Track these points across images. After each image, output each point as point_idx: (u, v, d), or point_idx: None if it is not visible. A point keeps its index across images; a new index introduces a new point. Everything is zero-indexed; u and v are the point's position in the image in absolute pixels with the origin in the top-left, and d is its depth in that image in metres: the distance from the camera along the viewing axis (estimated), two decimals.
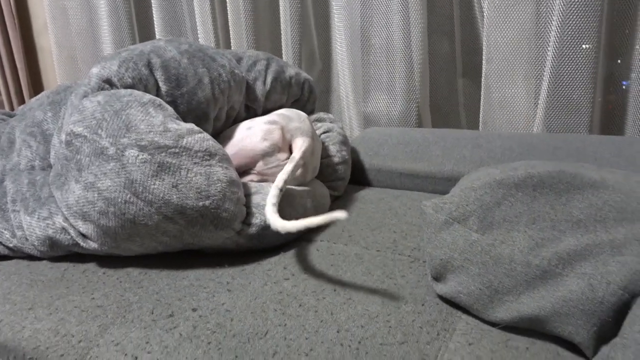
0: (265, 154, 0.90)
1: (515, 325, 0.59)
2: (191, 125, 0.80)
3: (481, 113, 1.32)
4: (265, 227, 0.80)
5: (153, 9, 1.67)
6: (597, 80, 1.17)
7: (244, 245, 0.81)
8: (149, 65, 0.86)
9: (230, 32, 1.54)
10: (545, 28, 1.19)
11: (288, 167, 0.83)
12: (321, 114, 1.19)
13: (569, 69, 1.16)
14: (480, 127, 1.34)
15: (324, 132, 1.12)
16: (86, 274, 0.79)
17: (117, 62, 0.85)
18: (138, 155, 0.73)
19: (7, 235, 0.85)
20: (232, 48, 1.57)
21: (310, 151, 0.93)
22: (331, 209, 1.00)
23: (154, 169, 0.73)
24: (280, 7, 1.48)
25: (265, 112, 1.08)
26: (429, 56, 1.40)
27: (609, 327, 0.52)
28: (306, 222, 0.66)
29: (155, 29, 1.69)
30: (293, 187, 0.90)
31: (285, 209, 0.84)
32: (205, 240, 0.77)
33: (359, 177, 1.20)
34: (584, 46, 1.13)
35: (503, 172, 0.65)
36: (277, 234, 0.81)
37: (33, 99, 1.08)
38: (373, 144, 1.21)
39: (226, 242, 0.79)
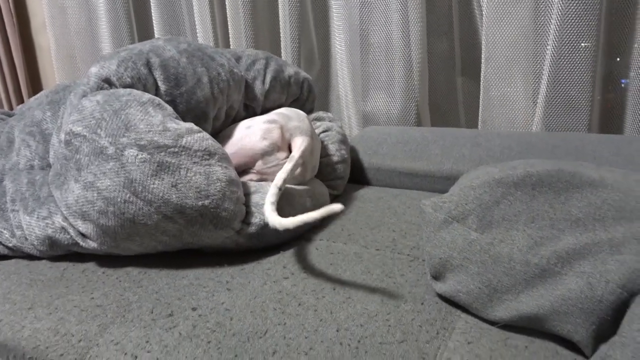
0: (265, 153, 0.90)
1: (514, 323, 0.59)
2: (190, 125, 0.80)
3: (480, 112, 1.32)
4: (265, 227, 0.80)
5: (152, 7, 1.66)
6: (596, 78, 1.17)
7: (244, 244, 0.81)
8: (148, 65, 0.86)
9: (229, 31, 1.54)
10: (544, 26, 1.19)
11: (287, 166, 0.83)
12: (320, 113, 1.19)
13: (567, 67, 1.16)
14: (479, 126, 1.34)
15: (323, 131, 1.12)
16: (86, 273, 0.79)
17: (116, 61, 0.85)
18: (137, 155, 0.73)
19: (6, 235, 0.85)
20: (231, 47, 1.57)
21: (310, 150, 0.93)
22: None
23: (154, 169, 0.73)
24: (279, 6, 1.48)
25: (265, 111, 1.08)
26: (428, 55, 1.40)
27: (608, 325, 0.52)
28: (304, 218, 0.67)
29: (154, 28, 1.69)
30: (292, 186, 0.90)
31: (285, 208, 0.84)
32: (205, 239, 0.77)
33: (358, 176, 1.20)
34: (582, 44, 1.13)
35: (502, 171, 0.65)
36: (276, 233, 0.81)
37: (32, 99, 1.08)
38: (372, 142, 1.21)
39: (226, 241, 0.79)
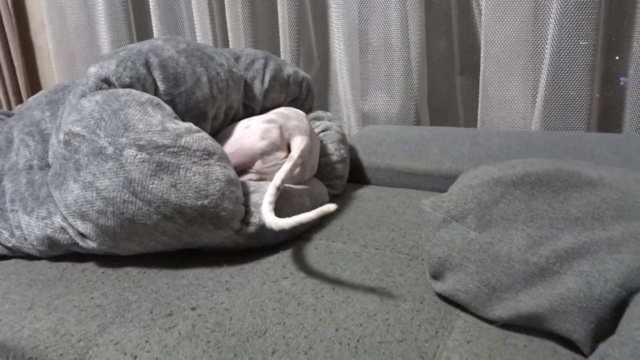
0: (264, 153, 0.90)
1: (513, 322, 0.59)
2: (189, 125, 0.80)
3: (479, 111, 1.32)
4: (264, 226, 0.80)
5: (150, 7, 1.66)
6: (594, 77, 1.17)
7: (243, 244, 0.81)
8: (147, 65, 0.86)
9: (228, 31, 1.54)
10: (542, 25, 1.19)
11: (286, 166, 0.83)
12: (319, 113, 1.19)
13: (566, 66, 1.16)
14: (478, 125, 1.34)
15: (322, 131, 1.12)
16: (85, 273, 0.79)
17: (115, 61, 0.85)
18: (136, 155, 0.73)
19: (5, 235, 0.85)
20: (230, 47, 1.57)
21: (309, 150, 0.93)
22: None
23: (153, 169, 0.73)
24: (278, 6, 1.47)
25: (264, 110, 1.08)
26: (426, 54, 1.40)
27: (606, 324, 0.52)
28: (299, 218, 0.67)
29: (153, 28, 1.68)
30: (291, 185, 0.90)
31: (284, 207, 0.84)
32: (204, 239, 0.77)
33: (358, 175, 1.20)
34: (581, 43, 1.13)
35: (501, 170, 0.65)
36: (275, 232, 0.81)
37: (31, 98, 1.08)
38: (371, 142, 1.21)
39: (225, 241, 0.79)
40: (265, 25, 1.58)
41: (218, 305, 0.67)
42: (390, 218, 0.92)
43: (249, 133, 0.92)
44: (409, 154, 1.14)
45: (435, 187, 1.11)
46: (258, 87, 1.05)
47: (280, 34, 1.51)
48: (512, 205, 0.61)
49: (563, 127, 1.21)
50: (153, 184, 0.72)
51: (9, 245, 0.85)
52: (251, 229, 0.80)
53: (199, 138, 0.78)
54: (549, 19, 1.17)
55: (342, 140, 1.13)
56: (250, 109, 1.07)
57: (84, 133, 0.76)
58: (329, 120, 1.17)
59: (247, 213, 0.81)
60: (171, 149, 0.74)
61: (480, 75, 1.28)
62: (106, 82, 0.83)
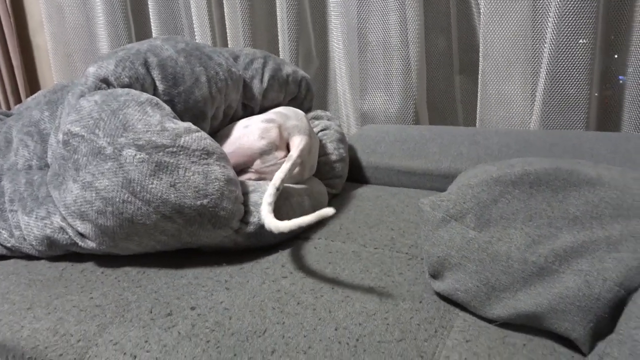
0: (263, 152, 0.90)
1: (512, 322, 0.59)
2: (188, 124, 0.80)
3: (478, 110, 1.32)
4: (263, 226, 0.80)
5: (149, 7, 1.66)
6: (593, 76, 1.17)
7: (242, 243, 0.81)
8: (146, 64, 0.86)
9: (227, 30, 1.54)
10: (541, 24, 1.19)
11: (286, 166, 0.83)
12: (318, 112, 1.19)
13: (565, 64, 1.16)
14: (477, 124, 1.34)
15: (322, 130, 1.12)
16: (84, 273, 0.79)
17: (113, 61, 0.85)
18: (135, 155, 0.73)
19: (5, 235, 0.84)
20: (229, 46, 1.57)
21: (308, 149, 0.93)
22: (329, 206, 1.00)
23: (152, 168, 0.73)
24: (277, 5, 1.47)
25: (263, 110, 1.08)
26: (425, 53, 1.40)
27: (605, 323, 0.52)
28: (298, 222, 0.68)
29: (152, 28, 1.68)
30: (291, 185, 0.90)
31: (283, 207, 0.84)
32: (204, 239, 0.77)
33: (357, 174, 1.20)
34: (580, 41, 1.13)
35: (500, 169, 0.65)
36: (274, 232, 0.81)
37: (30, 98, 1.08)
38: (370, 141, 1.21)
39: (224, 240, 0.79)
40: (264, 24, 1.58)
41: (217, 304, 0.67)
42: (389, 217, 0.92)
43: (248, 132, 0.92)
44: (408, 153, 1.14)
45: (434, 186, 1.11)
46: (257, 87, 1.05)
47: (279, 33, 1.51)
48: (511, 204, 0.61)
49: (562, 125, 1.21)
50: (152, 183, 0.72)
51: (8, 245, 0.85)
52: (250, 228, 0.80)
53: (198, 138, 0.78)
54: (547, 17, 1.17)
55: (341, 139, 1.13)
56: (249, 109, 1.07)
57: (83, 133, 0.76)
58: (328, 120, 1.17)
59: (247, 212, 0.81)
60: (170, 149, 0.74)
61: (479, 74, 1.28)
62: (105, 82, 0.83)
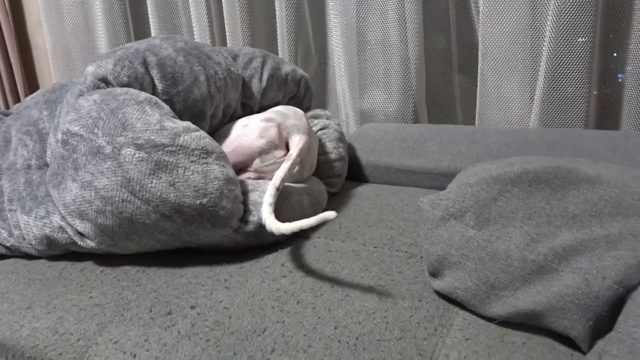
0: (262, 152, 0.90)
1: (511, 320, 0.59)
2: (187, 124, 0.80)
3: (477, 108, 1.32)
4: (263, 225, 0.80)
5: (148, 6, 1.66)
6: (592, 74, 1.17)
7: (242, 242, 0.81)
8: (145, 64, 0.86)
9: (226, 29, 1.54)
10: (540, 22, 1.19)
11: (285, 165, 0.83)
12: (317, 111, 1.19)
13: (564, 63, 1.16)
14: (476, 123, 1.34)
15: (321, 129, 1.12)
16: (84, 272, 0.79)
17: (112, 60, 0.84)
18: (135, 154, 0.73)
19: (4, 235, 0.84)
20: (228, 45, 1.57)
21: (307, 148, 0.93)
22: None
23: (151, 168, 0.73)
24: (276, 4, 1.47)
25: (262, 109, 1.08)
26: (425, 52, 1.40)
27: (605, 321, 0.52)
28: (299, 224, 0.68)
29: (151, 27, 1.68)
30: (290, 184, 0.90)
31: (282, 206, 0.84)
32: (203, 238, 0.77)
33: (356, 173, 1.20)
34: (579, 40, 1.13)
35: (499, 167, 0.65)
36: None
37: (28, 98, 1.07)
38: (370, 140, 1.21)
39: (224, 239, 0.79)
40: (263, 23, 1.58)
41: (217, 303, 0.67)
42: (388, 216, 0.92)
43: (247, 132, 0.92)
44: (407, 151, 1.14)
45: (433, 184, 1.11)
46: (256, 86, 1.05)
47: (278, 32, 1.51)
48: (510, 202, 0.61)
49: (561, 124, 1.21)
50: (151, 183, 0.72)
51: (8, 244, 0.85)
52: (250, 227, 0.80)
53: (197, 137, 0.78)
54: (546, 16, 1.17)
55: (341, 138, 1.13)
56: (248, 108, 1.07)
57: (82, 132, 0.76)
58: (327, 119, 1.17)
59: (246, 212, 0.81)
60: (169, 148, 0.74)
61: (478, 73, 1.28)
62: (104, 81, 0.83)
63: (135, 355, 0.60)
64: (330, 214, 0.65)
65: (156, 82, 0.86)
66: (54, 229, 0.80)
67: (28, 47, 2.11)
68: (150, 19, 1.67)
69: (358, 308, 0.64)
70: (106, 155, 0.73)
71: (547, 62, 1.17)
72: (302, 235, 0.86)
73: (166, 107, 0.82)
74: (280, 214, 0.83)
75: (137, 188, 0.72)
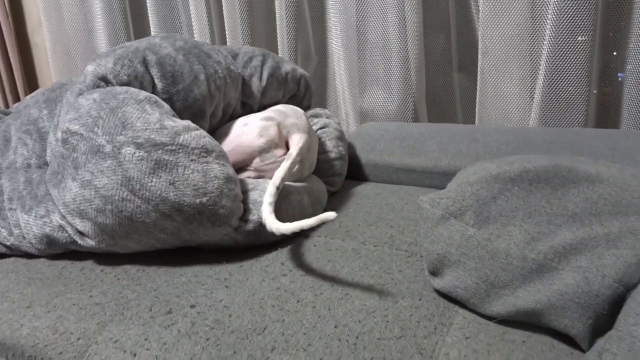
0: (262, 150, 0.90)
1: (511, 318, 0.59)
2: (187, 122, 0.80)
3: (477, 107, 1.32)
4: (263, 224, 0.80)
5: (148, 5, 1.66)
6: (592, 73, 1.17)
7: (242, 241, 0.81)
8: (145, 63, 0.86)
9: (226, 28, 1.54)
10: (540, 21, 1.19)
11: (285, 164, 0.83)
12: (317, 110, 1.19)
13: (564, 62, 1.16)
14: (476, 122, 1.34)
15: (321, 128, 1.12)
16: (84, 271, 0.79)
17: (112, 59, 0.84)
18: (135, 153, 0.73)
19: (4, 234, 0.84)
20: (228, 44, 1.57)
21: (307, 147, 0.93)
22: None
23: (151, 167, 0.73)
24: (276, 3, 1.47)
25: (262, 108, 1.08)
26: (424, 51, 1.40)
27: (604, 319, 0.52)
28: (299, 225, 0.69)
29: (150, 26, 1.68)
30: (290, 183, 0.90)
31: (282, 205, 0.84)
32: (203, 237, 0.77)
33: (356, 172, 1.20)
34: (579, 39, 1.13)
35: (499, 166, 0.65)
36: None
37: (28, 97, 1.07)
38: (369, 139, 1.21)
39: (224, 238, 0.79)
40: (263, 22, 1.57)
41: (217, 302, 0.67)
42: (388, 215, 0.92)
43: (247, 131, 0.92)
44: (407, 150, 1.14)
45: (433, 183, 1.11)
46: (256, 85, 1.05)
47: (277, 31, 1.50)
48: (510, 201, 0.61)
49: (561, 123, 1.21)
50: (151, 182, 0.72)
51: (8, 243, 0.85)
52: (250, 226, 0.80)
53: (197, 136, 0.78)
54: (546, 15, 1.17)
55: (341, 137, 1.13)
56: (248, 107, 1.07)
57: (82, 131, 0.76)
58: (327, 118, 1.17)
59: (246, 211, 0.81)
60: (169, 147, 0.74)
61: (478, 72, 1.28)
62: (104, 80, 0.83)
63: (135, 354, 0.60)
64: (330, 215, 0.65)
65: (156, 81, 0.86)
66: (54, 227, 0.80)
67: (28, 46, 2.11)
68: (150, 18, 1.67)
69: (358, 307, 0.64)
70: (106, 154, 0.73)
71: (547, 61, 1.17)
72: (302, 234, 0.87)
73: (166, 106, 0.82)
74: (280, 213, 0.83)
75: (137, 187, 0.72)
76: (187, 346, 0.60)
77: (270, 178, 0.88)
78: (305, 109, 1.21)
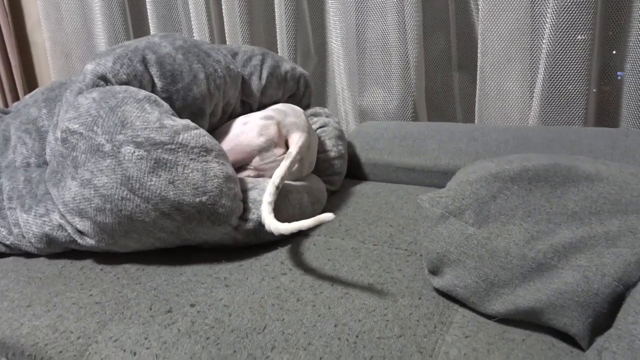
0: (262, 149, 0.90)
1: (511, 317, 0.59)
2: (187, 121, 0.80)
3: (477, 106, 1.32)
4: (262, 223, 0.80)
5: (147, 4, 1.66)
6: (592, 72, 1.17)
7: (241, 240, 0.81)
8: (144, 62, 0.86)
9: (225, 27, 1.54)
10: (540, 20, 1.19)
11: (285, 163, 0.83)
12: (317, 109, 1.19)
13: (564, 60, 1.16)
14: (475, 120, 1.34)
15: (320, 127, 1.12)
16: (84, 270, 0.79)
17: (111, 58, 0.84)
18: (134, 152, 0.73)
19: (3, 233, 0.84)
20: (227, 43, 1.57)
21: (307, 146, 0.93)
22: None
23: (150, 166, 0.73)
24: (275, 1, 1.47)
25: (261, 107, 1.08)
26: (424, 50, 1.40)
27: (604, 318, 0.52)
28: (298, 225, 0.69)
29: (150, 25, 1.68)
30: (290, 182, 0.90)
31: (282, 204, 0.84)
32: (202, 236, 0.77)
33: (355, 171, 1.20)
34: (578, 37, 1.13)
35: (498, 165, 0.65)
36: None
37: (27, 96, 1.07)
38: (369, 138, 1.21)
39: (223, 237, 0.79)
40: (262, 21, 1.57)
41: (217, 301, 0.67)
42: (388, 214, 0.92)
43: (247, 130, 0.92)
44: (406, 149, 1.14)
45: (433, 182, 1.11)
46: (255, 84, 1.05)
47: (277, 30, 1.50)
48: (509, 200, 0.61)
49: (560, 121, 1.21)
50: (151, 181, 0.72)
51: (7, 243, 0.85)
52: (249, 225, 0.80)
53: (197, 135, 0.78)
54: (546, 13, 1.17)
55: (340, 136, 1.13)
56: (247, 106, 1.07)
57: (81, 130, 0.76)
58: (327, 117, 1.16)
59: (246, 210, 0.81)
60: (169, 146, 0.74)
61: (478, 71, 1.28)
62: (103, 79, 0.83)
63: (135, 353, 0.60)
64: (328, 216, 0.66)
65: (155, 80, 0.86)
66: (54, 227, 0.80)
67: (27, 45, 2.11)
68: (149, 18, 1.67)
69: (358, 306, 0.64)
70: (105, 153, 0.73)
71: (546, 60, 1.17)
72: (301, 233, 0.87)
73: (165, 105, 0.82)
74: (280, 212, 0.83)
75: (137, 186, 0.72)
76: (187, 345, 0.60)
77: (270, 177, 0.88)
78: (305, 108, 1.21)
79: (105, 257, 0.82)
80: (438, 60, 1.42)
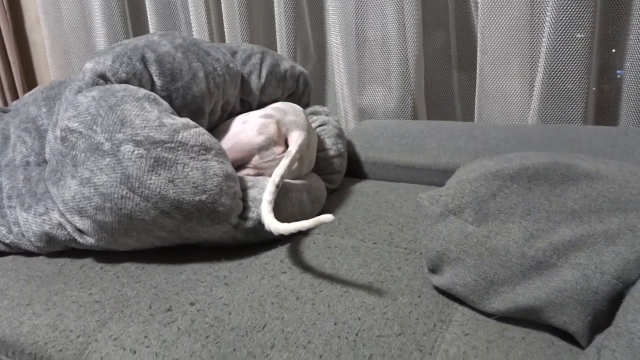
0: (261, 148, 0.90)
1: (510, 315, 0.60)
2: (186, 120, 0.80)
3: (476, 104, 1.32)
4: (262, 221, 0.80)
5: (146, 2, 1.66)
6: (591, 70, 1.17)
7: (241, 239, 0.81)
8: (143, 60, 0.86)
9: (224, 26, 1.54)
10: (539, 18, 1.19)
11: (284, 162, 0.83)
12: (316, 107, 1.19)
13: (563, 59, 1.16)
14: (475, 119, 1.34)
15: (320, 125, 1.12)
16: (83, 269, 0.79)
17: (111, 57, 0.84)
18: (134, 151, 0.73)
19: (3, 232, 0.84)
20: (227, 41, 1.56)
21: (306, 145, 0.93)
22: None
23: (150, 164, 0.73)
24: (275, 0, 1.47)
25: (261, 105, 1.08)
26: (423, 48, 1.40)
27: (603, 316, 0.53)
28: (298, 226, 0.69)
29: (149, 23, 1.68)
30: (289, 180, 0.90)
31: (282, 202, 0.84)
32: (202, 234, 0.77)
33: (355, 169, 1.20)
34: (578, 36, 1.13)
35: (498, 163, 0.65)
36: None
37: (27, 95, 1.07)
38: (369, 136, 1.21)
39: (223, 236, 0.79)
40: (262, 19, 1.57)
41: (217, 300, 0.67)
42: (387, 212, 0.92)
43: (246, 128, 0.92)
44: (406, 148, 1.14)
45: (432, 181, 1.11)
46: (255, 82, 1.05)
47: (276, 29, 1.50)
48: (509, 198, 0.61)
49: (560, 120, 1.21)
50: (150, 179, 0.72)
51: (7, 241, 0.85)
52: (249, 224, 0.80)
53: (196, 133, 0.78)
54: (545, 12, 1.17)
55: (340, 134, 1.13)
56: (247, 104, 1.07)
57: (80, 129, 0.76)
58: (326, 115, 1.16)
59: (245, 208, 0.81)
60: (168, 145, 0.74)
61: (477, 69, 1.28)
62: (102, 78, 0.83)
63: (135, 352, 0.60)
64: (327, 217, 0.66)
65: (155, 78, 0.86)
66: (53, 225, 0.80)
67: (26, 44, 2.11)
68: (148, 16, 1.67)
69: (357, 304, 0.64)
70: (105, 152, 0.73)
71: (546, 58, 1.17)
72: (301, 232, 0.87)
73: (165, 104, 0.82)
74: (279, 211, 0.83)
75: (136, 185, 0.72)
76: (187, 343, 0.60)
77: (270, 176, 0.88)
78: (304, 106, 1.21)
79: (105, 255, 0.82)
80: (437, 58, 1.42)
